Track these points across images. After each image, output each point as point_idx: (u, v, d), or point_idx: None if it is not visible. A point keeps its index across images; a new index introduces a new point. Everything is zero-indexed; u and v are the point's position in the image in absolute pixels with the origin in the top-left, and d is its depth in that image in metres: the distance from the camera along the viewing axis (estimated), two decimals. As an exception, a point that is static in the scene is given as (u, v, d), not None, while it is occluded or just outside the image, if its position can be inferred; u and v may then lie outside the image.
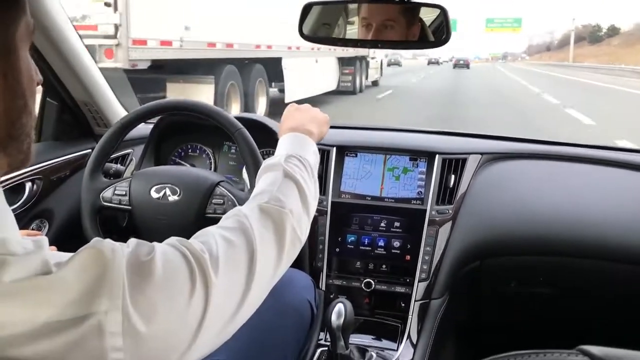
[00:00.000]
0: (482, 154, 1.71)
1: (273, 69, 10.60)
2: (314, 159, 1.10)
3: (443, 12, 1.23)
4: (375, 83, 20.10)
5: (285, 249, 0.85)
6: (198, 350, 0.65)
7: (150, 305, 0.58)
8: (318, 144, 1.70)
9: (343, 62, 15.38)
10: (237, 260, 0.75)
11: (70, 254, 0.60)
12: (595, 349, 0.43)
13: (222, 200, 1.42)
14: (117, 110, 1.84)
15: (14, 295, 0.53)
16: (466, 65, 55.81)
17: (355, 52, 15.64)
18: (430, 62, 77.96)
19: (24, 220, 1.56)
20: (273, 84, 11.16)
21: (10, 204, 1.46)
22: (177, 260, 0.65)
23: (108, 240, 0.61)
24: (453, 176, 1.64)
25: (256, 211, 0.85)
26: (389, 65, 70.87)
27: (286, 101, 9.08)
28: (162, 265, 0.62)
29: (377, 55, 19.68)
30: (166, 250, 0.66)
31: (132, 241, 0.64)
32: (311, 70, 12.52)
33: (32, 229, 1.57)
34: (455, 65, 56.19)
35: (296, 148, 1.07)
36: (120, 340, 0.55)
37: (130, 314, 0.56)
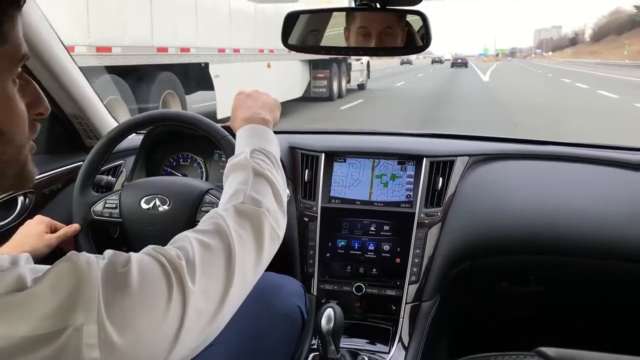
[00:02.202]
0: (469, 155, 1.72)
1: (194, 77, 8.88)
2: (276, 149, 1.10)
3: (422, 18, 1.25)
4: (361, 86, 18.90)
5: (265, 247, 0.86)
6: (178, 355, 0.66)
7: (126, 317, 0.59)
8: (306, 150, 1.75)
9: (315, 65, 13.87)
10: (214, 264, 0.75)
11: (47, 267, 0.60)
12: (550, 351, 0.45)
13: (211, 208, 1.43)
14: (107, 122, 1.85)
15: None
16: (464, 64, 55.47)
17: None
18: (434, 61, 78.00)
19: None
20: (198, 94, 9.37)
21: (2, 219, 1.51)
22: (153, 269, 0.66)
23: (83, 253, 0.62)
24: (441, 179, 1.66)
25: (232, 212, 0.85)
26: (401, 64, 70.54)
27: (219, 117, 7.91)
28: (139, 275, 0.63)
29: (364, 57, 17.94)
30: (143, 259, 0.67)
31: (108, 252, 0.65)
32: (259, 76, 10.46)
33: None
34: (453, 64, 55.95)
35: (257, 141, 1.06)
36: (97, 352, 0.56)
37: (106, 325, 0.57)
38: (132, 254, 0.67)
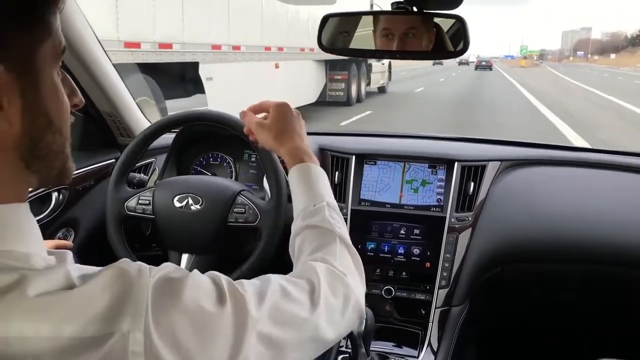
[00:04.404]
0: (501, 160, 1.71)
1: (178, 79, 7.21)
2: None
3: (461, 22, 1.23)
4: (382, 89, 17.66)
5: (345, 320, 0.80)
6: None
7: (172, 329, 0.58)
8: (337, 152, 1.74)
9: (332, 66, 12.61)
10: (289, 312, 0.71)
11: (94, 268, 0.60)
12: None
13: (243, 209, 1.44)
14: (140, 120, 1.87)
15: (39, 310, 0.54)
16: (488, 67, 54.43)
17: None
18: (461, 63, 77.44)
19: (50, 229, 1.59)
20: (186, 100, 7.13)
21: (37, 214, 1.53)
22: (207, 287, 0.64)
23: (138, 262, 0.61)
24: (472, 183, 1.64)
25: (328, 274, 0.80)
26: (434, 64, 69.61)
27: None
28: (192, 290, 0.61)
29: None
30: (200, 277, 0.65)
31: (167, 264, 0.64)
32: (264, 79, 8.97)
33: (59, 238, 1.61)
34: (477, 67, 54.95)
35: (321, 189, 0.99)
36: None
37: (152, 334, 0.56)
38: (195, 271, 0.66)
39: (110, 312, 0.55)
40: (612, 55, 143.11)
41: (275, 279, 0.74)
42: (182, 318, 0.59)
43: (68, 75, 0.68)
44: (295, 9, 9.77)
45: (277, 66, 9.62)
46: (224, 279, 0.67)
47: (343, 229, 0.93)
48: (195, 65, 7.15)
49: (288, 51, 9.82)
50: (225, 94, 7.26)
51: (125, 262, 0.61)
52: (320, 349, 0.76)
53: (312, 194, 0.97)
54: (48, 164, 0.64)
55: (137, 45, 5.92)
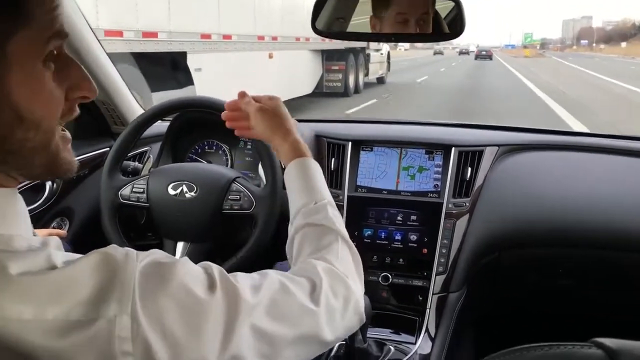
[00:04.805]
0: (498, 145, 1.70)
1: (164, 70, 6.71)
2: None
3: (457, 4, 1.22)
4: (380, 80, 17.18)
5: (346, 319, 0.80)
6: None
7: (160, 314, 0.57)
8: (333, 138, 1.73)
9: (329, 56, 12.21)
10: (287, 307, 0.70)
11: (79, 255, 0.59)
12: (609, 341, 0.43)
13: (238, 196, 1.44)
14: (134, 108, 1.86)
15: (22, 290, 0.53)
16: (488, 57, 54.10)
17: (349, 43, 11.72)
18: (461, 52, 77.86)
19: (45, 218, 1.58)
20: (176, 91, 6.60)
21: (31, 203, 1.51)
22: (197, 275, 0.63)
23: (125, 248, 0.60)
24: (470, 169, 1.63)
25: (329, 274, 0.79)
26: (434, 54, 69.35)
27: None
28: (181, 276, 0.60)
29: (384, 47, 15.95)
30: (190, 265, 0.64)
31: (156, 250, 0.63)
32: (257, 70, 8.52)
33: (53, 227, 1.60)
34: (477, 57, 54.70)
35: (321, 186, 0.97)
36: (129, 345, 0.54)
37: (140, 319, 0.55)
38: (185, 258, 0.65)
39: (96, 296, 0.54)
40: (623, 44, 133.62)
41: (274, 273, 0.73)
42: (170, 302, 0.58)
43: (77, 63, 0.64)
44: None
45: (270, 56, 9.19)
46: (215, 268, 0.66)
47: (343, 227, 0.92)
48: (183, 55, 6.79)
49: (282, 40, 9.42)
50: (216, 85, 6.67)
51: (112, 248, 0.60)
52: (317, 350, 0.75)
53: (312, 190, 0.95)
54: (25, 162, 0.61)
55: (119, 33, 5.63)
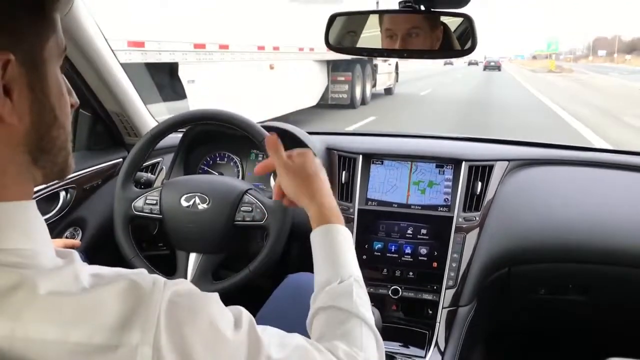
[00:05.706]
0: (509, 160, 1.70)
1: (154, 82, 6.03)
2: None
3: (469, 21, 1.23)
4: (388, 91, 16.83)
5: None
6: None
7: (183, 346, 0.56)
8: (344, 151, 1.74)
9: (335, 66, 11.73)
10: None
11: (103, 268, 0.60)
12: None
13: (250, 208, 1.45)
14: (147, 120, 1.88)
15: (49, 309, 0.53)
16: (497, 67, 54.19)
17: (356, 52, 11.46)
18: (470, 63, 78.06)
19: (58, 228, 1.60)
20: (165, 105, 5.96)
21: (44, 213, 1.53)
22: (226, 311, 0.64)
23: (153, 275, 0.60)
24: (480, 183, 1.64)
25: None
26: (445, 64, 69.07)
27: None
28: (209, 310, 0.60)
29: (392, 59, 14.71)
30: (220, 303, 0.64)
31: (182, 280, 0.63)
32: (257, 82, 8.00)
33: (66, 237, 1.61)
34: (486, 67, 54.73)
35: (348, 258, 0.92)
36: None
37: (162, 350, 0.54)
38: (215, 294, 0.65)
39: (120, 323, 0.54)
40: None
41: (301, 338, 0.72)
42: (195, 335, 0.57)
43: (63, 75, 0.68)
44: (292, 3, 9.13)
45: (272, 67, 8.62)
46: (245, 313, 0.66)
47: (368, 309, 0.87)
48: (174, 67, 6.24)
49: (285, 50, 8.78)
50: (210, 99, 6.18)
51: (139, 275, 0.59)
52: None
53: (336, 264, 0.90)
54: (52, 159, 0.64)
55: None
